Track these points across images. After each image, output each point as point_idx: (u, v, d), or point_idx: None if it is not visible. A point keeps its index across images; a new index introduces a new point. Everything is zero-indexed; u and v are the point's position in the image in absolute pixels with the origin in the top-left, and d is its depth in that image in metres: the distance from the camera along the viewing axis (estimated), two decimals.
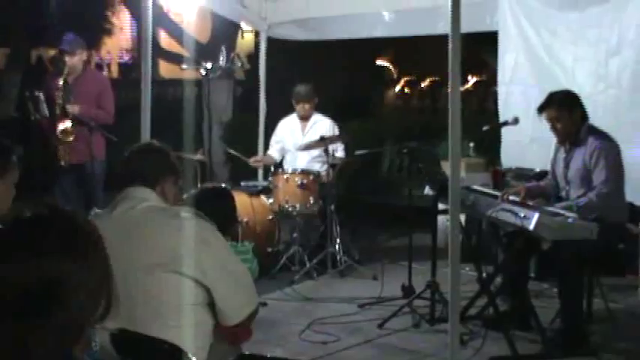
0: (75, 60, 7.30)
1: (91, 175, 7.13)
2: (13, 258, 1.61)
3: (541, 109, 5.69)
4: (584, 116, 5.65)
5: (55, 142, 7.12)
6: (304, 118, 8.30)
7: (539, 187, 5.98)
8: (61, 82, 7.11)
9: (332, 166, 7.69)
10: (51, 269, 1.61)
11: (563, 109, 5.59)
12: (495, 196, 5.69)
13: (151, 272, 2.86)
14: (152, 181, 3.18)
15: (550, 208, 5.25)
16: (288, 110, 8.46)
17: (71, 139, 7.08)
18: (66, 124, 7.05)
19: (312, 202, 7.58)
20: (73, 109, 7.09)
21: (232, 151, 8.84)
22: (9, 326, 1.58)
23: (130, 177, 3.17)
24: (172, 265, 2.86)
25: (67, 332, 1.65)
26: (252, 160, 8.56)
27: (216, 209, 3.90)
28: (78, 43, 7.40)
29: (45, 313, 1.60)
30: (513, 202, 5.45)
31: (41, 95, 7.07)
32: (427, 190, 6.52)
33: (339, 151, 8.11)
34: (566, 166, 5.69)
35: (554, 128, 5.67)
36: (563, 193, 5.74)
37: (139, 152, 3.34)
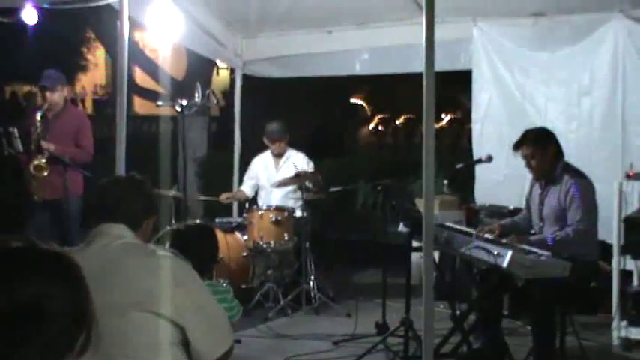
0: (55, 96, 7.22)
1: (67, 213, 7.03)
2: None
3: (516, 146, 5.74)
4: (559, 154, 5.71)
5: (29, 177, 7.05)
6: (278, 156, 8.33)
7: (513, 224, 6.02)
8: (38, 118, 7.06)
9: (306, 202, 7.70)
10: (34, 291, 1.69)
11: (538, 147, 5.64)
12: (469, 234, 5.71)
13: (126, 311, 2.83)
14: (137, 224, 3.13)
15: (524, 246, 5.27)
16: (262, 146, 8.48)
17: (45, 174, 6.99)
18: (40, 160, 6.98)
19: (286, 238, 7.58)
20: (48, 146, 7.01)
21: (202, 197, 8.87)
22: None
23: (112, 214, 3.09)
24: (147, 305, 2.83)
25: (47, 356, 1.69)
26: (222, 198, 8.57)
27: (200, 249, 3.88)
28: (59, 78, 7.34)
29: (28, 333, 1.66)
30: (487, 240, 5.48)
31: (15, 131, 7.02)
32: (401, 228, 6.55)
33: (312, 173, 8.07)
34: (541, 202, 5.73)
35: (529, 165, 5.73)
36: (537, 229, 5.78)
37: (125, 189, 3.23)
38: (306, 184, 7.71)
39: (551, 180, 5.67)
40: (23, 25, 7.63)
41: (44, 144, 7.01)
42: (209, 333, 2.99)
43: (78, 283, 1.81)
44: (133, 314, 2.83)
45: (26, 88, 17.07)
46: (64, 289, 1.75)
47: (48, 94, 7.23)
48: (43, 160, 6.97)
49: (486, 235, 5.60)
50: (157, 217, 3.36)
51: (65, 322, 1.74)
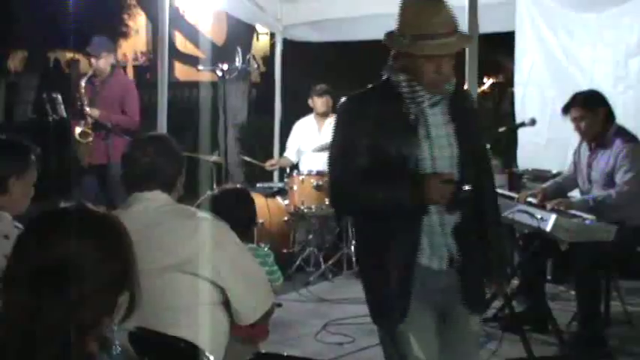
0: (101, 62, 7.25)
1: (111, 178, 7.06)
2: (36, 238, 1.77)
3: (565, 109, 5.62)
4: (610, 117, 5.57)
5: (75, 143, 7.12)
6: (324, 115, 8.17)
7: (557, 186, 5.91)
8: (83, 84, 7.11)
9: None
10: (69, 249, 1.74)
11: (587, 109, 5.50)
12: (512, 198, 5.66)
13: (166, 273, 2.84)
14: (169, 185, 3.08)
15: (568, 210, 5.21)
16: (303, 112, 8.43)
17: (90, 139, 7.06)
18: (85, 126, 7.04)
19: (327, 203, 7.56)
20: (93, 112, 7.07)
21: (246, 158, 8.86)
22: (25, 296, 1.71)
23: (146, 178, 3.04)
24: (187, 266, 2.85)
25: (80, 313, 1.72)
26: (267, 164, 8.57)
27: (236, 212, 3.86)
28: (104, 45, 7.37)
29: (57, 289, 1.72)
30: (530, 204, 5.42)
31: (59, 97, 7.08)
32: None
33: None
34: (589, 165, 5.60)
35: (578, 128, 5.60)
36: (584, 191, 5.65)
37: (156, 150, 3.10)
38: None
39: (601, 143, 5.54)
40: None
41: (88, 110, 7.06)
42: (249, 294, 3.00)
43: (119, 244, 1.82)
44: (172, 275, 2.85)
45: (69, 55, 17.17)
46: (101, 249, 1.77)
47: (93, 60, 7.28)
48: (89, 126, 7.04)
49: (529, 199, 5.53)
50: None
51: (102, 282, 1.76)
